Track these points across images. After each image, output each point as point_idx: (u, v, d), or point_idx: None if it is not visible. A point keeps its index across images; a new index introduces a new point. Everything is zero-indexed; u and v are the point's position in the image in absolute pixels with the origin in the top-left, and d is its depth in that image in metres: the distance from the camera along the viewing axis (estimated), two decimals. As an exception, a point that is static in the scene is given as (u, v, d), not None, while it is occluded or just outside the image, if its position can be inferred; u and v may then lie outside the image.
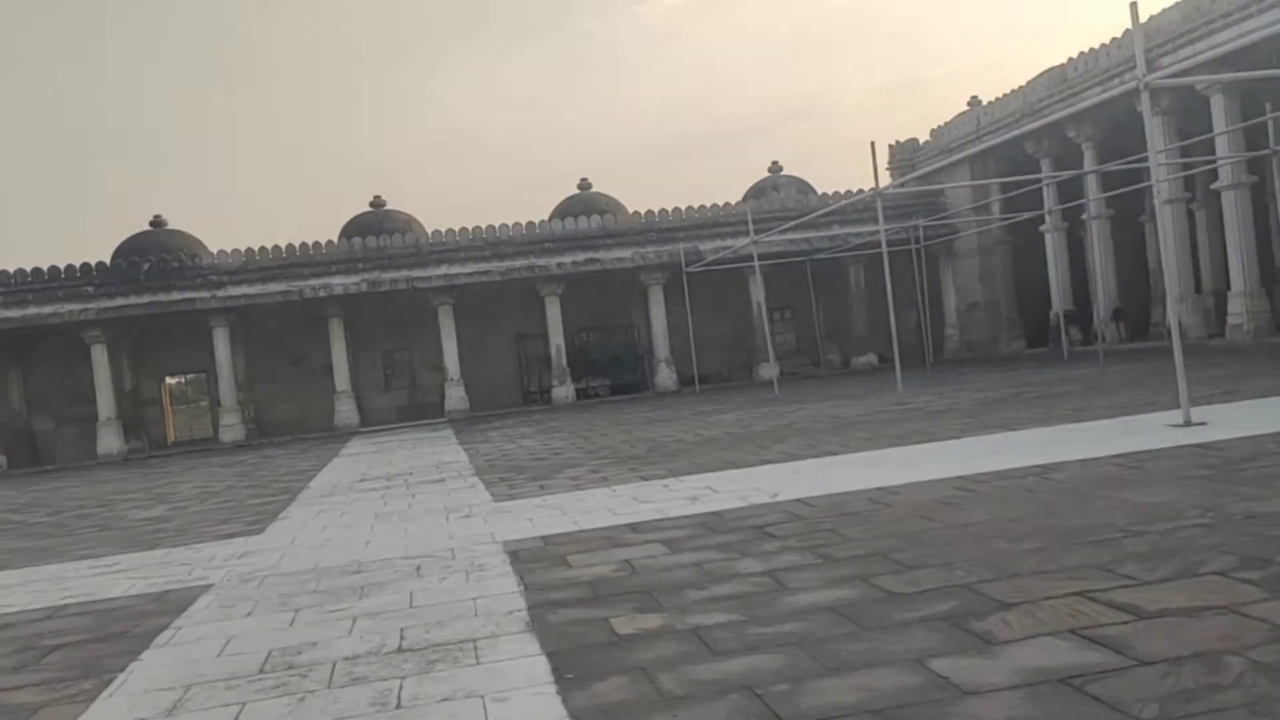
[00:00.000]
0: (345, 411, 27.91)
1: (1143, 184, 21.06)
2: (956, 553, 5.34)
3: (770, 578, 5.27)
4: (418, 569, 6.54)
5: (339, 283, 27.61)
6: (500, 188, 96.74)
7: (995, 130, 25.85)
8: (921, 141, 30.88)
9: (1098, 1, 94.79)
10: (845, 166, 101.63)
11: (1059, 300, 25.18)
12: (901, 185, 24.03)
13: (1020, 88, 25.72)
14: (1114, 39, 22.27)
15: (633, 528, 7.18)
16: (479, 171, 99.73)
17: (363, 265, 27.79)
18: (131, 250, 28.65)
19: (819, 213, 23.97)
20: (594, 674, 4.01)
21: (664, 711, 3.54)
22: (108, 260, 27.91)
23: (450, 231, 28.51)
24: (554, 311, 28.51)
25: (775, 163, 32.79)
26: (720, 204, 29.68)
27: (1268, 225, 23.72)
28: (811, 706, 3.42)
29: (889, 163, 31.60)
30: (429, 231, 29.11)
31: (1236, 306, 20.39)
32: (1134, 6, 9.15)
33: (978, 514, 6.31)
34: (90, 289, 26.72)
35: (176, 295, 26.99)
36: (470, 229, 28.51)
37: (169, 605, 6.25)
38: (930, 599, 4.52)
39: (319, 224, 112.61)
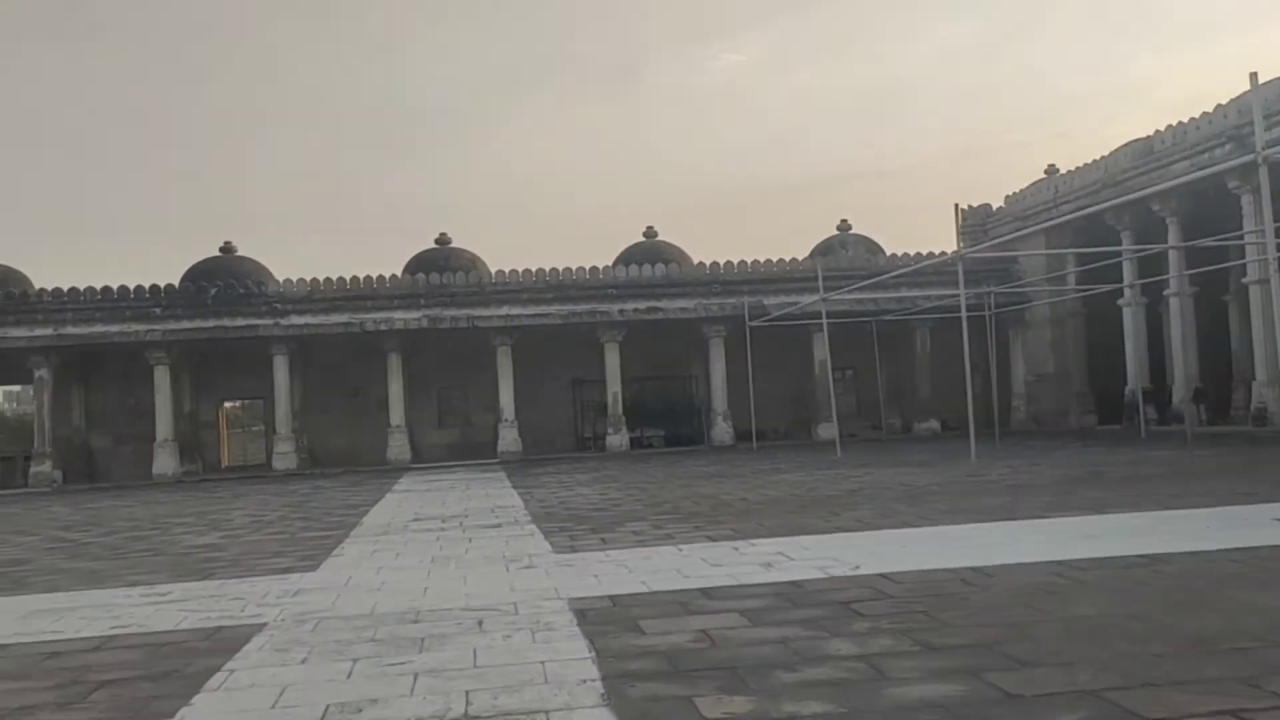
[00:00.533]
0: (398, 446, 27.80)
1: (1230, 262, 20.34)
2: (1075, 651, 4.87)
3: (866, 663, 4.84)
4: (480, 623, 6.18)
5: (400, 317, 27.65)
6: (564, 230, 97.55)
7: (1073, 199, 25.30)
8: (994, 207, 30.38)
9: (1165, 79, 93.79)
10: (909, 228, 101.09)
11: (1135, 377, 24.37)
12: (982, 250, 23.50)
13: (1102, 158, 25.19)
14: (1204, 113, 21.71)
15: (706, 593, 6.78)
16: (544, 213, 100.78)
17: (425, 301, 27.84)
18: (200, 274, 29.01)
19: (895, 273, 23.58)
20: (685, 765, 3.61)
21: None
22: (177, 283, 28.26)
23: (514, 272, 28.50)
24: (613, 358, 28.26)
25: (844, 221, 32.47)
26: (786, 259, 29.40)
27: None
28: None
29: (959, 227, 31.04)
30: (492, 271, 29.13)
31: (1327, 394, 19.54)
32: (1254, 76, 8.73)
33: (1087, 607, 5.83)
34: (157, 310, 27.04)
35: (240, 321, 27.20)
36: (534, 271, 28.48)
37: (221, 643, 5.96)
38: (1055, 706, 4.07)
39: (384, 258, 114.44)
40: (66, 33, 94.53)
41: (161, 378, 27.09)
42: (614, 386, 28.26)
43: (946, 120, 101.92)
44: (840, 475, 16.42)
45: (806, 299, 26.44)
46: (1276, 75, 20.50)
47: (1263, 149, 8.76)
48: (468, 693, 4.67)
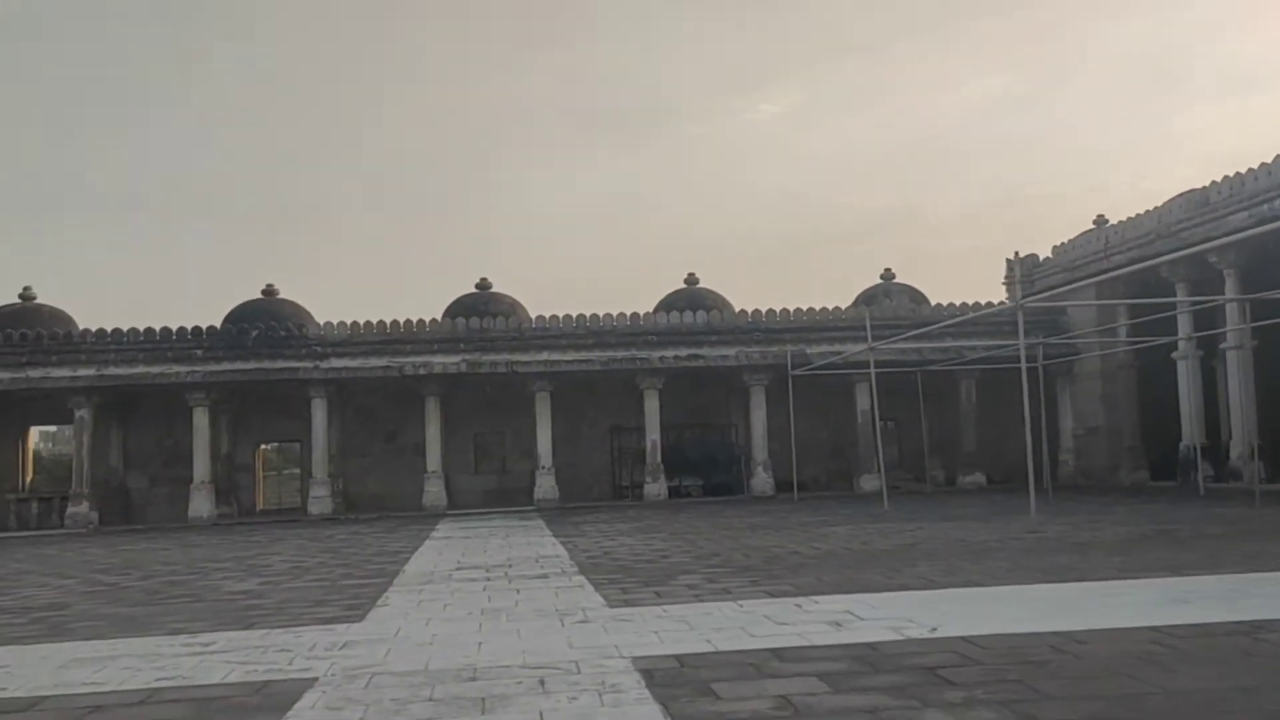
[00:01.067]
0: (434, 492, 27.54)
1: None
2: (1199, 730, 4.46)
3: (970, 739, 4.46)
4: (541, 682, 5.85)
5: (439, 361, 27.52)
6: (604, 275, 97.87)
7: (1125, 250, 24.84)
8: (1041, 257, 29.93)
9: (1200, 134, 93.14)
10: (950, 277, 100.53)
11: (1190, 432, 23.69)
12: (1042, 300, 23.07)
13: (1154, 209, 24.74)
14: (1262, 163, 21.28)
15: (776, 654, 6.40)
16: (584, 258, 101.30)
17: (464, 346, 27.71)
18: (242, 316, 29.08)
19: (946, 323, 23.23)
20: None
21: None
22: (218, 325, 28.35)
23: (554, 317, 28.36)
24: (652, 405, 27.94)
25: (888, 269, 32.13)
26: (829, 307, 29.08)
27: None
28: None
29: (1005, 277, 30.71)
30: (532, 316, 29.00)
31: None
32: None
33: (1193, 679, 5.41)
34: (199, 352, 27.09)
35: (280, 364, 27.18)
36: (574, 316, 28.32)
37: (272, 700, 5.65)
38: (1196, 793, 3.67)
39: (424, 302, 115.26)
40: (109, 87, 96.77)
41: (200, 419, 27.06)
42: (653, 434, 27.90)
43: (982, 171, 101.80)
44: (892, 529, 15.94)
45: (850, 348, 26.05)
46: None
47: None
48: (539, 763, 4.33)
